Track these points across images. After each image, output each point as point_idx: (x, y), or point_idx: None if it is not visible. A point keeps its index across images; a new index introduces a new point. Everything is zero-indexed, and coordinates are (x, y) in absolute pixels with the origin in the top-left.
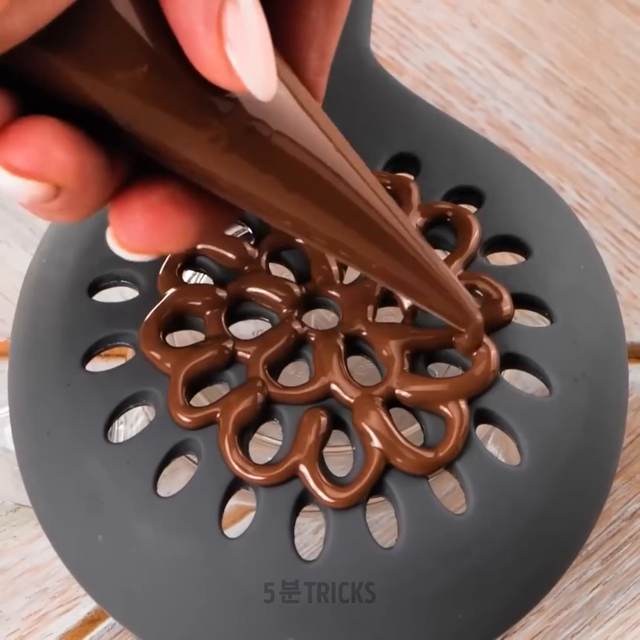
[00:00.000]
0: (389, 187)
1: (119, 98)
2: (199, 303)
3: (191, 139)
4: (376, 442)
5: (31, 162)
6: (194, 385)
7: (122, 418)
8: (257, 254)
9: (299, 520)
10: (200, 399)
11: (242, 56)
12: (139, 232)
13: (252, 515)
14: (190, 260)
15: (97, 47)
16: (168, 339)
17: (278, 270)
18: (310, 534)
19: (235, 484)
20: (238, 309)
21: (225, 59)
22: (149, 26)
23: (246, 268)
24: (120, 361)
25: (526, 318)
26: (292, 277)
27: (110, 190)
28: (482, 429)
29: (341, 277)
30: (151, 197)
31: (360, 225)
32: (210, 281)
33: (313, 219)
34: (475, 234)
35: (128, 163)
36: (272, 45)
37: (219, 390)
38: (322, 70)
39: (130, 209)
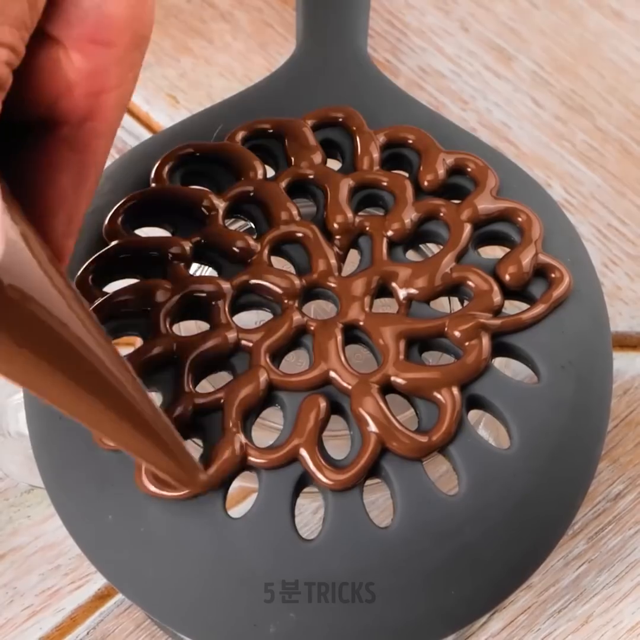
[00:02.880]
0: (385, 185)
1: None
2: (204, 294)
3: None
4: (373, 427)
5: None
6: (199, 372)
7: None
8: (259, 247)
9: (299, 501)
10: (205, 385)
11: None
12: None
13: (254, 496)
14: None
15: None
16: (175, 328)
17: (279, 263)
18: (310, 514)
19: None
20: (241, 300)
21: None
22: None
23: (249, 261)
24: (129, 349)
25: (516, 308)
26: (292, 270)
27: None
28: (473, 415)
29: (339, 270)
30: None
31: (84, 387)
32: (215, 273)
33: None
34: (466, 229)
35: None
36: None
37: (223, 377)
38: (70, 234)
39: None
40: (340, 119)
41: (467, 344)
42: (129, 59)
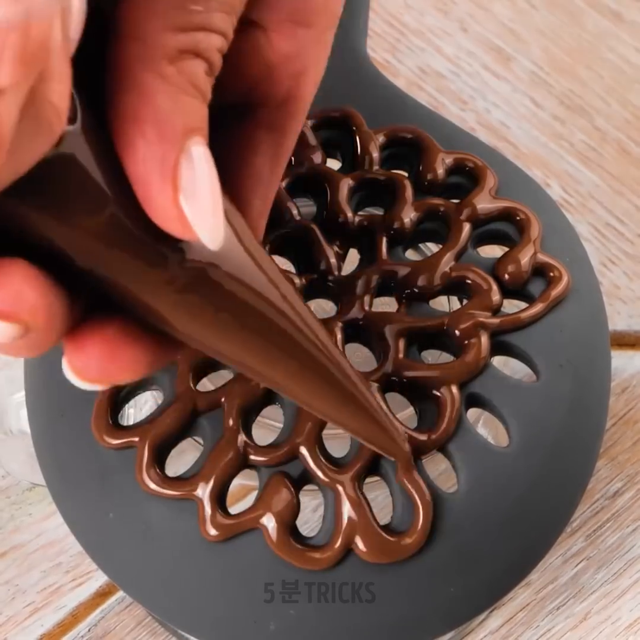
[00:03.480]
0: (384, 184)
1: (78, 243)
2: None
3: (146, 282)
4: None
5: (5, 303)
6: (199, 370)
7: (131, 402)
8: None
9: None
10: (206, 384)
11: (194, 207)
12: (93, 364)
13: (255, 494)
14: None
15: (59, 195)
16: None
17: (279, 261)
18: (310, 512)
19: (239, 465)
20: None
21: (179, 210)
22: (109, 177)
23: None
24: None
25: (514, 307)
26: (293, 269)
27: (69, 325)
28: (472, 413)
29: (339, 269)
30: (105, 331)
31: (302, 365)
32: None
33: (259, 363)
34: (466, 228)
35: (84, 299)
36: (221, 196)
37: (223, 375)
38: (264, 214)
39: (85, 341)
40: (340, 119)
41: (466, 342)
42: (325, 38)
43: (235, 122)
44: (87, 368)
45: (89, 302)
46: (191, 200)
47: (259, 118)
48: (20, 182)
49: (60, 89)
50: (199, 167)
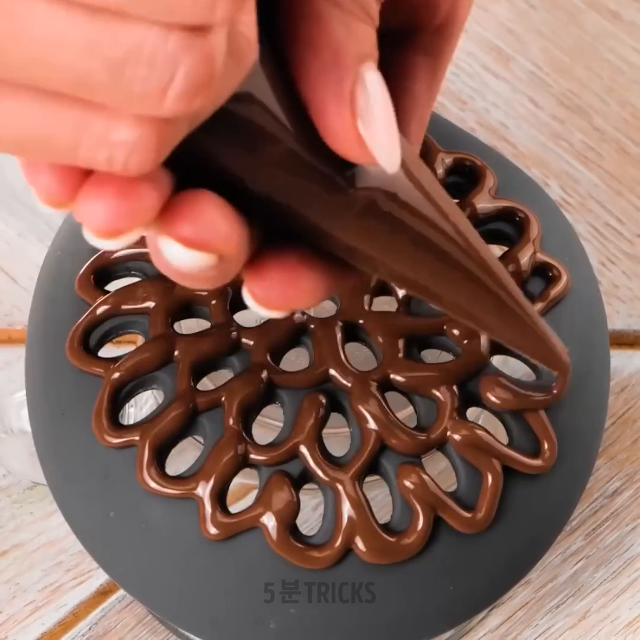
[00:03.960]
0: None
1: (261, 173)
2: (204, 293)
3: (325, 208)
4: (372, 424)
5: (201, 235)
6: (200, 370)
7: (132, 401)
8: None
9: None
10: (206, 383)
11: (371, 131)
12: (274, 290)
13: (255, 493)
14: None
15: (244, 126)
16: (176, 326)
17: None
18: (310, 510)
19: (240, 464)
20: (242, 298)
21: (357, 134)
22: (287, 106)
23: None
24: (131, 347)
25: None
26: None
27: (249, 256)
28: (471, 412)
29: None
30: (285, 258)
31: (473, 288)
32: None
33: (432, 282)
34: None
35: (262, 230)
36: (395, 119)
37: (224, 375)
38: (420, 138)
39: (266, 269)
40: None
41: (465, 342)
42: None
43: (392, 48)
44: (269, 295)
45: (266, 234)
46: (368, 123)
47: (416, 43)
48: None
49: (249, 20)
50: (373, 91)
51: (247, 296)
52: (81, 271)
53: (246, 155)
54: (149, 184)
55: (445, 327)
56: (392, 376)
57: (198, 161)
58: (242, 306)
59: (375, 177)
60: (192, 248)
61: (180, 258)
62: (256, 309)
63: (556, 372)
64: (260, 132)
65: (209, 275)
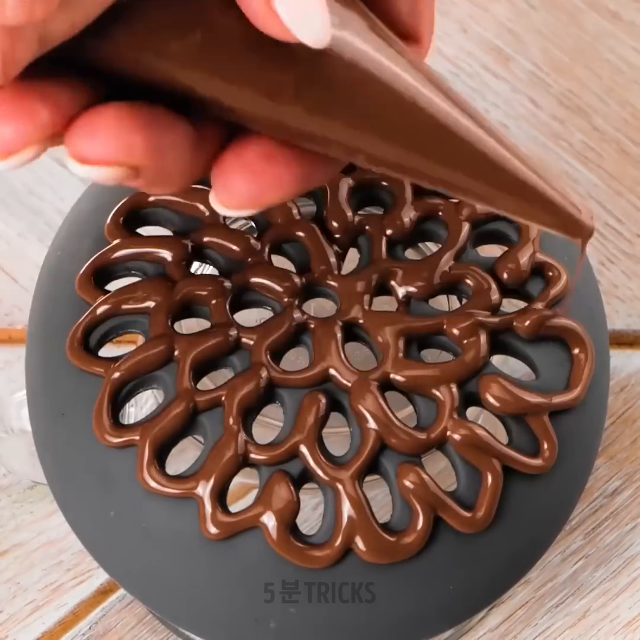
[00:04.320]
0: (384, 183)
1: (180, 68)
2: (205, 292)
3: (255, 91)
4: (372, 424)
5: (97, 150)
6: (200, 369)
7: (132, 401)
8: (259, 246)
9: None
10: (206, 382)
11: (290, 7)
12: (236, 189)
13: (255, 492)
14: (199, 250)
15: (152, 24)
16: (176, 326)
17: (280, 261)
18: (310, 510)
19: (240, 463)
20: (242, 298)
21: (272, 10)
22: None
23: (249, 260)
24: (131, 347)
25: (514, 307)
26: (293, 268)
27: (203, 159)
28: (471, 412)
29: (339, 268)
30: (245, 156)
31: (455, 142)
32: (215, 272)
33: (402, 151)
34: (465, 228)
35: (219, 130)
36: None
37: (224, 374)
38: (417, 14)
39: (227, 169)
40: None
41: (465, 341)
42: None
43: None
44: (232, 194)
45: (228, 132)
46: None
47: None
48: (100, 22)
49: None
50: None
51: (212, 199)
52: (81, 271)
53: (159, 52)
54: (40, 103)
55: (445, 326)
56: (392, 376)
57: (106, 66)
58: (242, 306)
59: (311, 55)
60: (86, 165)
61: (83, 174)
62: (223, 212)
63: (577, 241)
64: (170, 22)
65: (139, 184)
